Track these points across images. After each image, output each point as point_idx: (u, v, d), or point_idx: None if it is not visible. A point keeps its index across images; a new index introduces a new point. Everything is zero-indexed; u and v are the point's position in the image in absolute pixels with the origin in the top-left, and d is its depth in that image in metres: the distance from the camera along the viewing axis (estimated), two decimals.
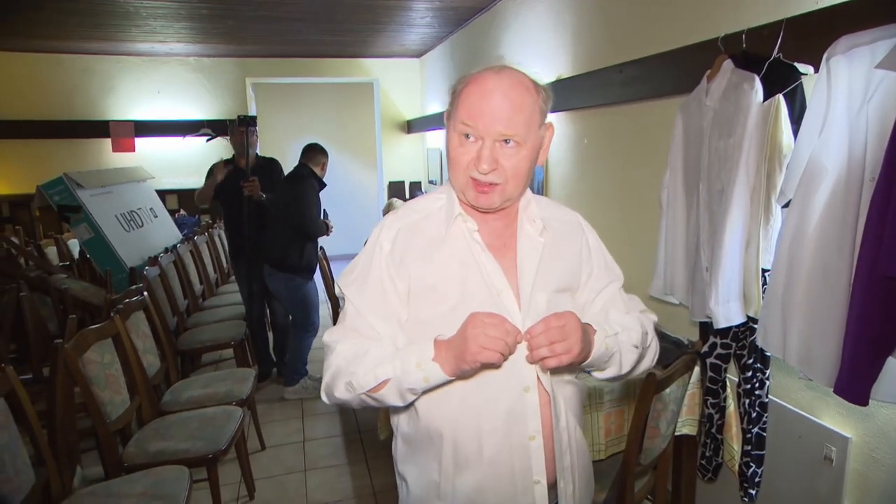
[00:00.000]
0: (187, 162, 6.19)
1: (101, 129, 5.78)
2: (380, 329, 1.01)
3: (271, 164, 3.69)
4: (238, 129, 3.45)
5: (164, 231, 4.63)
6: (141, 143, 5.92)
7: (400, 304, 1.01)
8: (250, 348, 3.63)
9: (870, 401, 1.35)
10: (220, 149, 6.31)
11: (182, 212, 5.87)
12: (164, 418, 2.33)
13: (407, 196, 6.59)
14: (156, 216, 4.60)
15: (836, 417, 1.63)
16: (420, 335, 0.97)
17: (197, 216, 5.80)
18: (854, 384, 1.36)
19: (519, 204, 1.06)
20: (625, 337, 1.02)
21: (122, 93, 5.91)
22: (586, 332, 0.93)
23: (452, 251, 1.01)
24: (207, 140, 5.56)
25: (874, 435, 1.53)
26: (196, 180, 6.33)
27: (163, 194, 5.45)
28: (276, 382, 3.87)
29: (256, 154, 3.57)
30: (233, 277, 4.82)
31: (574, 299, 1.09)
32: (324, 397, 1.05)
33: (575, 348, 0.88)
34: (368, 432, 3.15)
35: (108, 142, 5.81)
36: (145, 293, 2.74)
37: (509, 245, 1.05)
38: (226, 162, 3.63)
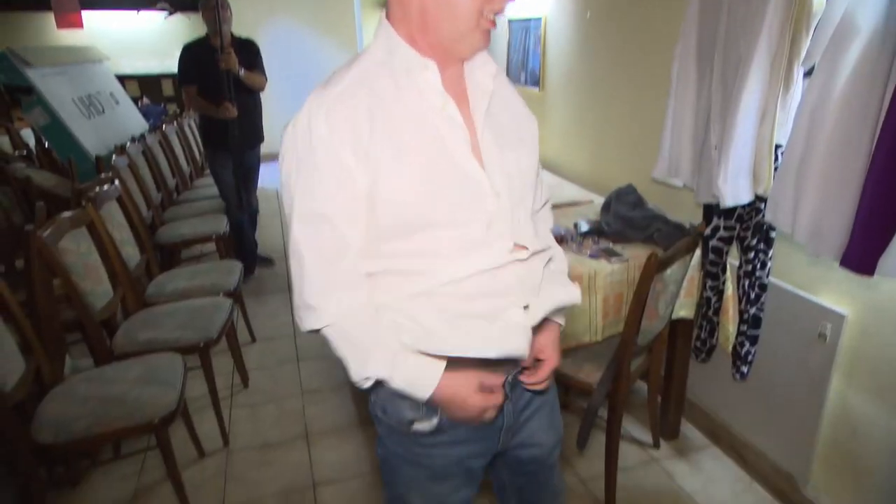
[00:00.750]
0: (146, 43, 5.70)
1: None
2: (350, 238, 0.86)
3: (248, 45, 3.39)
4: (209, 4, 3.17)
5: (128, 119, 4.33)
6: (89, 18, 5.36)
7: (358, 194, 0.84)
8: (228, 245, 3.52)
9: (874, 274, 1.34)
10: (182, 27, 5.80)
11: (146, 100, 5.48)
12: (151, 309, 2.27)
13: None
14: (117, 103, 4.27)
15: (833, 295, 1.64)
16: (389, 214, 0.85)
17: (163, 105, 5.44)
18: (862, 255, 1.34)
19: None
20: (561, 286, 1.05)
21: None
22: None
23: (415, 111, 0.85)
24: (167, 16, 5.06)
25: (870, 311, 1.54)
26: (157, 64, 5.89)
27: (122, 80, 5.03)
28: (264, 275, 3.83)
29: (231, 32, 3.30)
30: (208, 171, 4.62)
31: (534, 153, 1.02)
32: (303, 326, 0.93)
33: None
34: None
35: (50, 17, 5.24)
36: (117, 182, 2.58)
37: (463, 95, 0.91)
38: (196, 42, 3.34)
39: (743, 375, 1.87)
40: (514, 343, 0.92)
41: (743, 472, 1.99)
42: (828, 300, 1.65)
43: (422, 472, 1.01)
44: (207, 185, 4.20)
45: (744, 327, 1.83)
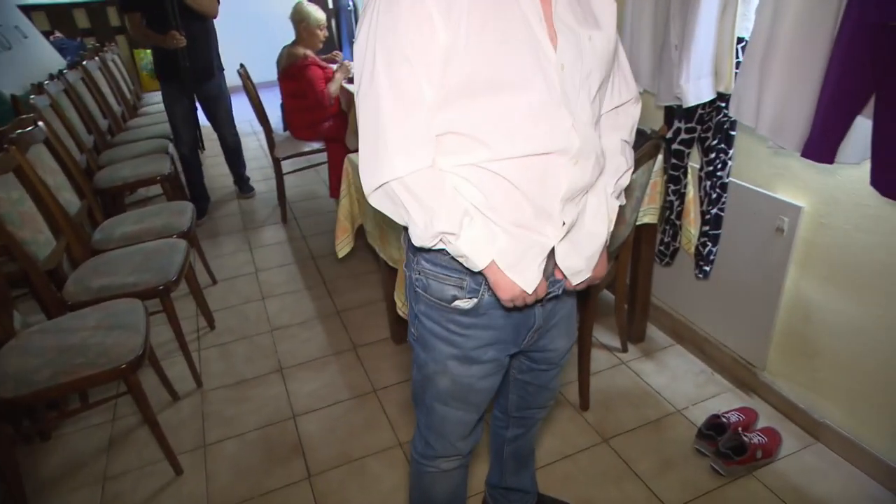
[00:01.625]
0: None
1: None
2: (426, 91, 0.85)
3: None
4: None
5: (40, 55, 3.92)
6: None
7: (438, 49, 0.83)
8: (175, 186, 3.33)
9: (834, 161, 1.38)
10: None
11: (58, 33, 4.97)
12: (101, 256, 2.15)
13: (329, 5, 5.82)
14: (25, 37, 3.84)
15: (790, 189, 1.69)
16: (459, 73, 0.84)
17: (79, 38, 4.95)
18: (823, 144, 1.37)
19: None
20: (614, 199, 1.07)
21: None
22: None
23: None
24: None
25: (825, 202, 1.60)
26: None
27: (27, 11, 4.52)
28: (217, 216, 3.69)
29: None
30: (143, 109, 4.34)
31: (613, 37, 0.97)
32: (377, 199, 0.93)
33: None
34: (323, 258, 3.10)
35: None
36: (41, 123, 2.36)
37: None
38: None
39: (706, 274, 1.94)
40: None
41: (705, 365, 2.10)
42: (785, 195, 1.70)
43: (454, 352, 1.05)
44: (144, 126, 3.92)
45: (706, 227, 1.87)
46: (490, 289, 0.98)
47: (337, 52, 3.56)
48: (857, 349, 1.60)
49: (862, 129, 1.32)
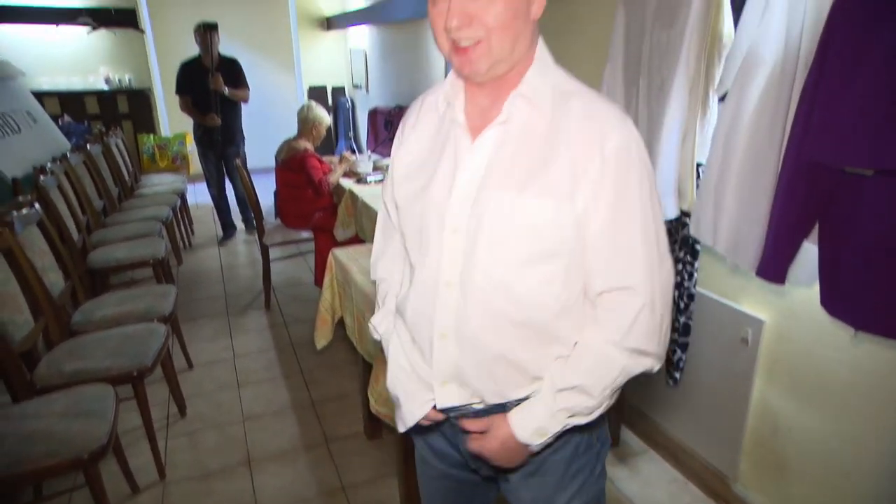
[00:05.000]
0: (67, 58, 5.42)
1: None
2: (393, 218, 1.04)
3: (232, 64, 4.30)
4: (202, 33, 4.07)
5: (47, 138, 4.08)
6: (3, 33, 5.07)
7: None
8: (166, 270, 3.38)
9: (785, 282, 1.46)
10: (107, 42, 5.58)
11: (67, 117, 5.20)
12: (77, 339, 2.15)
13: (329, 102, 6.19)
14: (35, 121, 4.02)
15: (753, 303, 1.77)
16: (402, 219, 0.99)
17: (86, 122, 5.17)
18: (774, 265, 1.46)
19: (524, 76, 0.87)
20: (578, 400, 0.89)
21: None
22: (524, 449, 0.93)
23: (434, 129, 0.95)
24: (90, 31, 4.85)
25: (785, 317, 1.67)
26: (80, 80, 5.60)
27: (40, 97, 4.75)
28: (200, 298, 3.70)
29: (219, 53, 4.20)
30: (140, 191, 4.51)
31: (570, 210, 0.83)
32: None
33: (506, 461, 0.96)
34: (302, 346, 3.10)
35: None
36: (36, 205, 2.43)
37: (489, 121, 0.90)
38: (191, 60, 4.24)
39: (675, 381, 1.97)
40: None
41: (678, 473, 2.08)
42: (748, 307, 1.77)
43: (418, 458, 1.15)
44: (139, 207, 4.02)
45: (675, 335, 1.93)
46: None
47: (347, 153, 3.74)
48: (824, 463, 1.61)
49: (811, 252, 1.42)
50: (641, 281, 0.85)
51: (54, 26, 5.17)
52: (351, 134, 5.98)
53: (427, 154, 0.94)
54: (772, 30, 1.39)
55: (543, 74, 0.88)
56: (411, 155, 0.97)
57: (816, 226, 1.36)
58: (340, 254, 2.19)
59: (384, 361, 1.07)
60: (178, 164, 5.79)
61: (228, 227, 4.85)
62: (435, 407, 0.97)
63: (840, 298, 1.34)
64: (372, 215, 3.00)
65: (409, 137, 0.98)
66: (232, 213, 4.86)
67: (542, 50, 0.89)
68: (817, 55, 1.27)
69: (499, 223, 0.84)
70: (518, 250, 0.84)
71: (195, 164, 6.05)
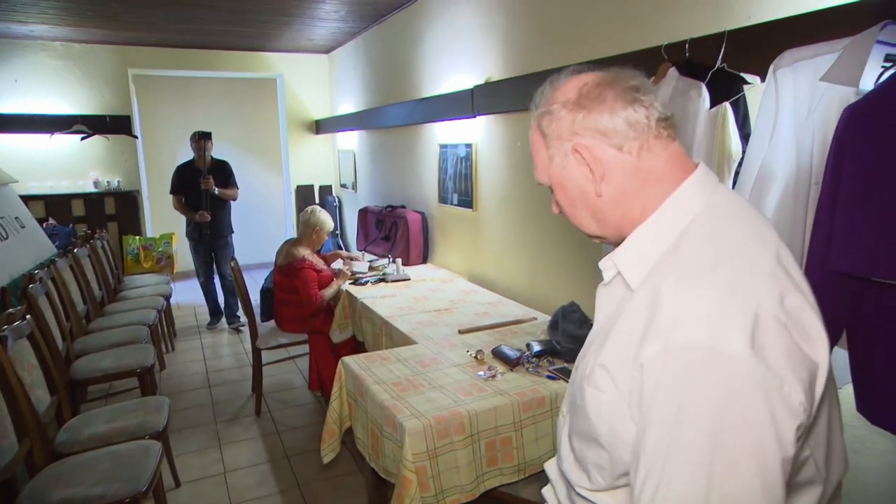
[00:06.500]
0: (56, 163, 5.48)
1: None
2: None
3: (223, 166, 4.77)
4: (197, 140, 4.62)
5: (33, 243, 4.01)
6: None
7: None
8: (153, 379, 3.22)
9: None
10: (98, 148, 5.67)
11: (51, 220, 5.15)
12: (64, 461, 1.99)
13: (316, 200, 6.30)
14: (23, 226, 3.96)
15: None
16: None
17: (71, 225, 5.11)
18: None
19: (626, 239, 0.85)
20: None
21: None
22: None
23: None
24: (83, 138, 4.94)
25: None
26: (68, 184, 5.61)
27: (26, 200, 4.72)
28: (189, 408, 3.51)
29: (212, 157, 4.73)
30: (123, 294, 4.40)
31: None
32: None
33: None
34: (297, 456, 2.93)
35: None
36: (28, 317, 2.34)
37: None
38: (186, 163, 4.73)
39: None
40: None
41: None
42: None
43: None
44: (122, 311, 3.90)
45: None
46: None
47: (345, 267, 3.71)
48: None
49: (840, 357, 1.43)
50: None
51: (49, 135, 5.29)
52: (338, 232, 6.04)
53: None
54: (781, 148, 1.48)
55: (646, 238, 0.80)
56: None
57: (844, 333, 1.38)
58: (351, 362, 2.12)
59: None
60: (162, 264, 5.71)
61: (215, 314, 5.07)
62: None
63: (878, 402, 1.33)
64: (370, 317, 2.95)
65: None
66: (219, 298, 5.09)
67: (665, 211, 0.79)
68: (828, 171, 1.34)
69: (577, 397, 0.87)
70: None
71: (179, 264, 5.99)
